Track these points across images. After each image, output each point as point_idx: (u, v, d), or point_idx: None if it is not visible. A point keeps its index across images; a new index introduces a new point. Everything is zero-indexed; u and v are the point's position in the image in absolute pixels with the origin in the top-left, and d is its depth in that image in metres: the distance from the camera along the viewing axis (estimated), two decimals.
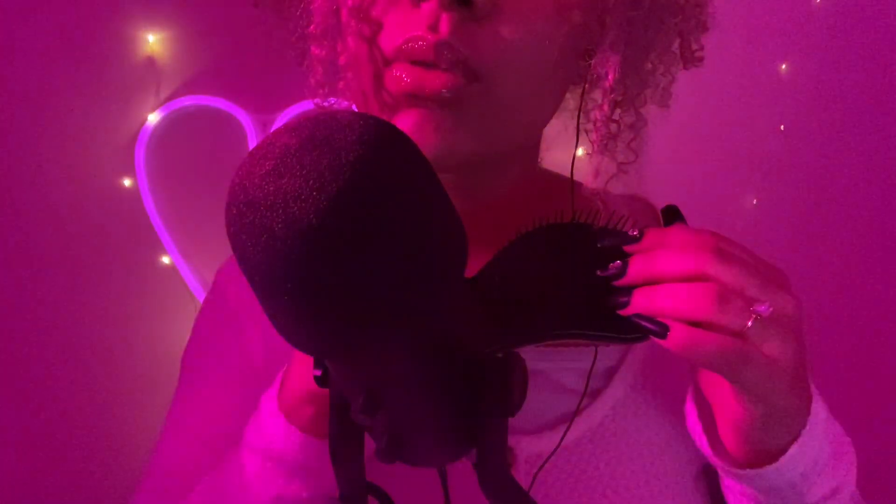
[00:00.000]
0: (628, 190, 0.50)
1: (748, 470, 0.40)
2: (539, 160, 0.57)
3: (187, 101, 1.30)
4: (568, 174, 0.49)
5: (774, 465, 0.39)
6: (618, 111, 0.47)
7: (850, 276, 1.38)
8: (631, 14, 0.44)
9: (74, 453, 1.35)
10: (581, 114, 0.48)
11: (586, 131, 0.48)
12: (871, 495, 0.49)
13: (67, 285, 1.32)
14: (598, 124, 0.47)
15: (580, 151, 0.48)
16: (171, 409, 0.59)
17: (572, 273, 0.38)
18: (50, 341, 1.33)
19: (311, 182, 0.26)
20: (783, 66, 1.36)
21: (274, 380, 0.47)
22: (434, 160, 0.31)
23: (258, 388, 0.48)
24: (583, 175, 0.48)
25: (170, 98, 1.31)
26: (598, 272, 0.37)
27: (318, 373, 0.36)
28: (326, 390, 0.37)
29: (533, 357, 0.40)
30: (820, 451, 0.40)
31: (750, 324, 0.34)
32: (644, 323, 0.35)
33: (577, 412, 0.50)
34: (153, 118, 1.30)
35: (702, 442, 0.43)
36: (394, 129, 0.29)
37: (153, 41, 1.29)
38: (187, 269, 1.35)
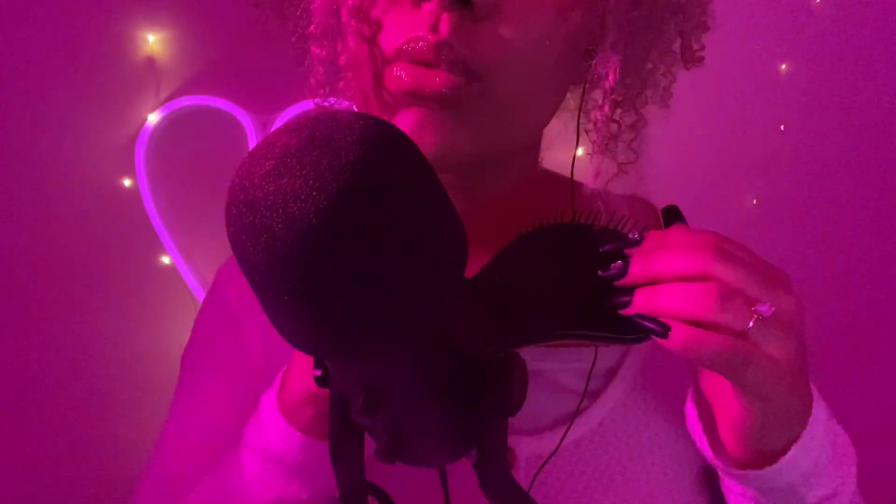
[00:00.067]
0: (629, 190, 0.50)
1: (748, 471, 0.40)
2: (539, 160, 0.57)
3: (187, 101, 1.30)
4: (568, 174, 0.49)
5: (775, 467, 0.39)
6: (618, 111, 0.47)
7: (850, 276, 1.38)
8: (631, 14, 0.44)
9: (74, 453, 1.35)
10: (581, 114, 0.48)
11: (587, 131, 0.48)
12: (871, 495, 0.49)
13: (67, 285, 1.33)
14: (599, 124, 0.47)
15: (580, 151, 0.48)
16: (171, 409, 0.59)
17: (573, 273, 0.38)
18: (50, 341, 1.33)
19: (311, 182, 0.26)
20: (783, 66, 1.36)
21: (274, 380, 0.47)
22: (434, 160, 0.31)
23: (258, 388, 0.48)
24: (583, 175, 0.48)
25: (170, 98, 1.31)
26: (600, 272, 0.37)
27: (318, 373, 0.36)
28: (326, 391, 0.37)
29: (533, 357, 0.40)
30: (820, 452, 0.40)
31: (751, 324, 0.34)
32: (645, 323, 0.35)
33: (577, 413, 0.50)
34: (153, 118, 1.30)
35: (702, 442, 0.43)
36: (394, 129, 0.29)
37: (153, 41, 1.29)
38: (187, 269, 1.35)
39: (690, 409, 0.44)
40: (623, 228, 0.39)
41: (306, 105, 1.26)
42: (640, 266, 0.36)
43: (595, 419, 0.51)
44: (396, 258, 0.27)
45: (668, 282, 0.35)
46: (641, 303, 0.35)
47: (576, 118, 0.48)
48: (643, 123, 0.48)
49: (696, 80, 0.52)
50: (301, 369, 0.44)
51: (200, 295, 1.35)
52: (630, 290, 0.36)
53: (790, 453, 0.39)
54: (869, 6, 1.33)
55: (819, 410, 0.40)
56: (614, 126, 0.47)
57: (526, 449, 0.51)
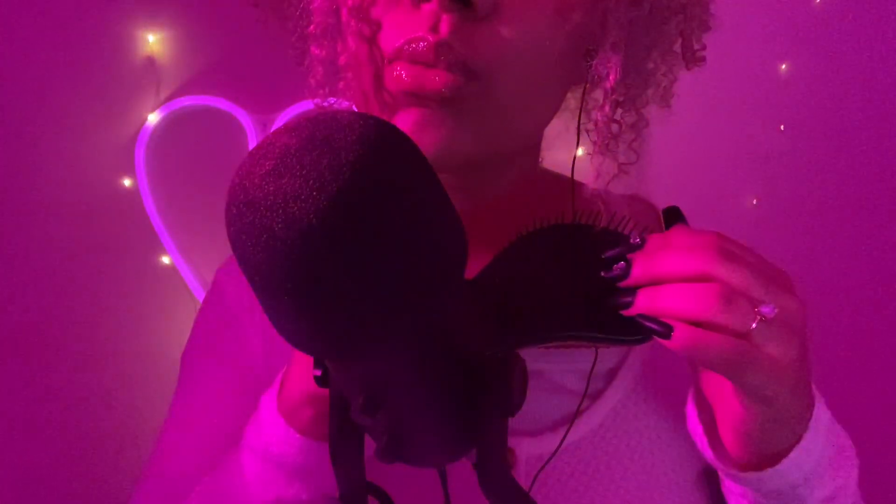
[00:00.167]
0: (629, 190, 0.50)
1: (749, 472, 0.40)
2: (540, 160, 0.57)
3: (187, 101, 1.30)
4: (569, 174, 0.49)
5: (776, 468, 0.39)
6: (619, 111, 0.47)
7: (850, 276, 1.38)
8: (632, 14, 0.44)
9: (74, 453, 1.35)
10: (582, 114, 0.48)
11: (587, 131, 0.48)
12: (872, 495, 0.49)
13: (67, 285, 1.32)
14: (600, 124, 0.47)
15: (580, 151, 0.48)
16: (170, 410, 0.59)
17: (573, 274, 0.38)
18: (49, 341, 1.33)
19: (311, 182, 0.26)
20: (783, 66, 1.36)
21: (274, 380, 0.47)
22: (434, 160, 0.31)
23: (258, 387, 0.48)
24: (584, 175, 0.48)
25: (170, 98, 1.31)
26: (603, 273, 0.37)
27: (318, 373, 0.36)
28: (326, 392, 0.37)
29: (533, 358, 0.40)
30: (821, 454, 0.40)
31: (754, 325, 0.34)
32: (647, 323, 0.35)
33: (578, 414, 0.50)
34: (153, 118, 1.30)
35: (702, 443, 0.43)
36: (394, 129, 0.29)
37: (153, 41, 1.29)
38: (187, 269, 1.35)
39: (691, 410, 0.44)
40: (624, 229, 0.39)
41: (306, 105, 1.26)
42: (642, 267, 0.36)
43: (595, 420, 0.51)
44: (396, 258, 0.27)
45: (670, 282, 0.35)
46: (644, 303, 0.35)
47: (576, 118, 0.48)
48: (644, 123, 0.48)
49: (695, 80, 0.52)
50: (301, 370, 0.44)
51: (200, 295, 1.35)
52: (632, 290, 0.36)
53: (791, 455, 0.39)
54: (869, 6, 1.32)
55: (820, 412, 0.40)
56: (615, 126, 0.47)
57: (526, 450, 0.50)
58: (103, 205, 1.32)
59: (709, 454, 0.43)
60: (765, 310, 0.34)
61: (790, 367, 0.35)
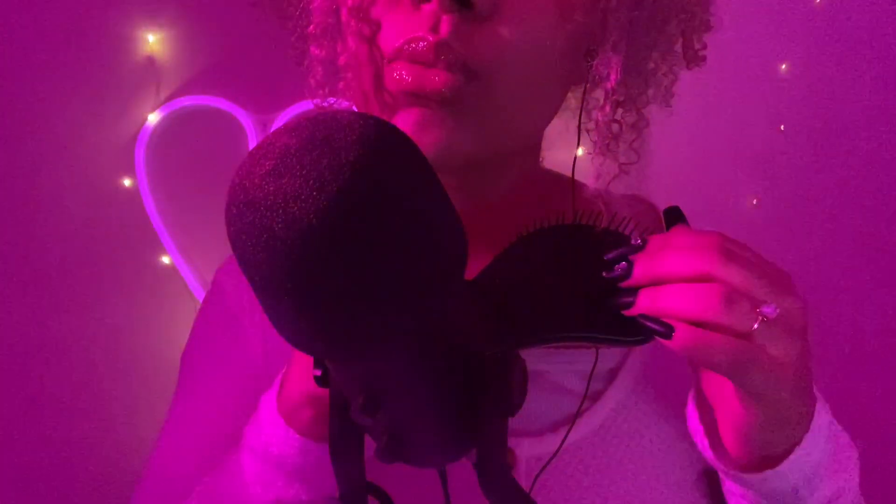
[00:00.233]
0: (630, 190, 0.50)
1: (750, 473, 0.40)
2: (540, 160, 0.57)
3: (187, 101, 1.30)
4: (569, 174, 0.48)
5: (777, 469, 0.39)
6: (620, 111, 0.47)
7: (850, 276, 1.38)
8: (633, 14, 0.44)
9: (74, 453, 1.35)
10: (583, 114, 0.48)
11: (588, 131, 0.48)
12: (872, 495, 0.49)
13: (67, 285, 1.32)
14: (600, 124, 0.47)
15: (581, 151, 0.48)
16: (170, 410, 0.59)
17: (574, 275, 0.38)
18: (49, 341, 1.33)
19: (311, 182, 0.26)
20: (783, 66, 1.36)
21: (274, 380, 0.47)
22: (434, 160, 0.31)
23: (258, 388, 0.48)
24: (584, 175, 0.48)
25: (170, 98, 1.31)
26: (604, 274, 0.37)
27: (318, 373, 0.36)
28: (326, 392, 0.37)
29: (533, 358, 0.40)
30: (822, 455, 0.40)
31: (756, 325, 0.34)
32: (649, 323, 0.35)
33: (578, 414, 0.50)
34: (153, 118, 1.30)
35: (703, 444, 0.43)
36: (394, 129, 0.29)
37: (153, 41, 1.29)
38: (187, 269, 1.35)
39: (692, 411, 0.44)
40: (624, 229, 0.39)
41: (306, 105, 1.25)
42: (644, 267, 0.36)
43: (596, 421, 0.51)
44: (396, 258, 0.27)
45: (672, 282, 0.35)
46: (645, 303, 0.35)
47: (577, 118, 0.48)
48: (645, 123, 0.48)
49: (695, 80, 0.52)
50: (301, 370, 0.44)
51: (200, 295, 1.35)
52: (633, 290, 0.36)
53: (792, 456, 0.39)
54: (869, 6, 1.32)
55: (822, 413, 0.40)
56: (616, 126, 0.47)
57: (527, 450, 0.50)
58: (103, 205, 1.32)
59: (709, 455, 0.43)
60: (766, 310, 0.34)
61: (792, 368, 0.35)
